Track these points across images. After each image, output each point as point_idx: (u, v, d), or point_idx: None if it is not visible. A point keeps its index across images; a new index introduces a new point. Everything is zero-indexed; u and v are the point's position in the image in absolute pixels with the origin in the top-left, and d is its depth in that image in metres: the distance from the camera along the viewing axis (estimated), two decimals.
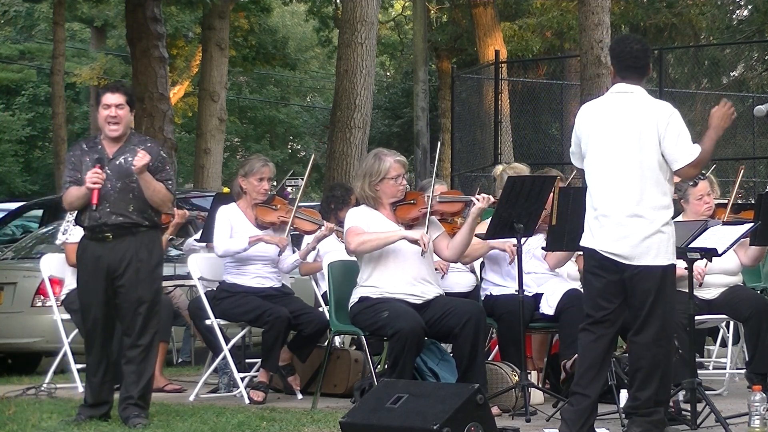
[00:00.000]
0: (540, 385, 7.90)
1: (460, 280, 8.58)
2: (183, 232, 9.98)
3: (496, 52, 19.02)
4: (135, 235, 7.02)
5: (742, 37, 25.42)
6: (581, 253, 6.81)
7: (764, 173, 20.90)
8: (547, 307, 7.89)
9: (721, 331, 9.48)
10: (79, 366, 8.34)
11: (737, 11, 28.23)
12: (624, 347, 7.72)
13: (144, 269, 7.01)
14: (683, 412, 6.86)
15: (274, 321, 8.10)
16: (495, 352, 8.59)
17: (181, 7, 23.74)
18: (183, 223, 9.16)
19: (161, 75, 17.93)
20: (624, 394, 6.72)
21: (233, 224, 8.41)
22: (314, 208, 9.63)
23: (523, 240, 7.61)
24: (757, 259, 8.52)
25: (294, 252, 8.67)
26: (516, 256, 7.60)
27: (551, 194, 7.49)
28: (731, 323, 8.88)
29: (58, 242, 9.19)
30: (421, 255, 7.34)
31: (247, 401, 8.06)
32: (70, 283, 8.67)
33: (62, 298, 8.94)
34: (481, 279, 8.36)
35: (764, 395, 6.42)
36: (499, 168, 8.77)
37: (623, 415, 6.61)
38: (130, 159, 7.01)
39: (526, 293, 7.71)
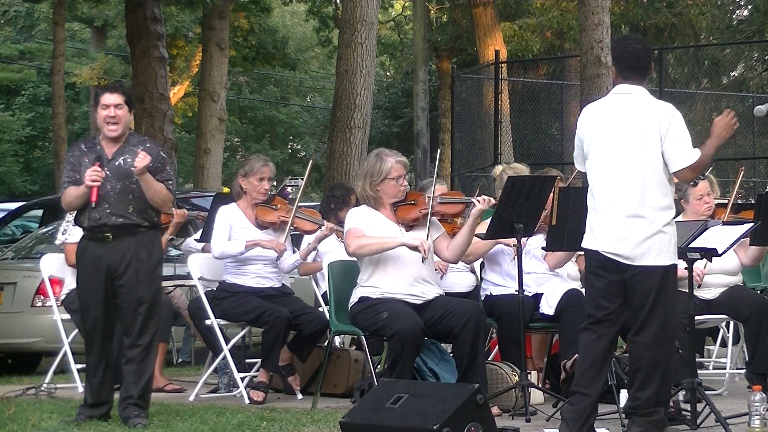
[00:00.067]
0: (540, 385, 7.90)
1: (460, 280, 8.57)
2: (183, 232, 9.98)
3: (496, 52, 19.01)
4: (135, 235, 7.02)
5: (742, 37, 25.42)
6: (581, 253, 6.81)
7: (764, 173, 20.90)
8: (547, 307, 7.89)
9: (721, 331, 9.48)
10: (79, 366, 8.34)
11: (737, 11, 28.24)
12: (624, 347, 7.72)
13: (144, 269, 7.01)
14: (683, 412, 6.86)
15: (274, 321, 8.10)
16: (495, 352, 8.59)
17: (181, 7, 23.74)
18: (183, 223, 9.16)
19: (161, 75, 17.93)
20: (624, 394, 6.72)
21: (233, 224, 8.41)
22: (314, 208, 9.64)
23: (523, 240, 7.61)
24: (757, 259, 8.52)
25: (294, 252, 8.68)
26: (516, 256, 7.61)
27: (551, 194, 7.49)
28: (731, 323, 8.88)
29: (57, 242, 9.19)
30: (422, 261, 7.35)
31: (247, 401, 8.06)
32: (70, 283, 8.67)
33: (62, 298, 8.94)
34: (481, 279, 8.36)
35: (764, 395, 6.42)
36: (498, 168, 8.76)
37: (623, 415, 6.61)
38: (129, 160, 7.00)
39: (526, 293, 7.71)
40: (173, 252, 10.60)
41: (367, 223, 7.49)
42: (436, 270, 7.89)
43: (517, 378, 7.53)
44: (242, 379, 8.33)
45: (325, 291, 8.71)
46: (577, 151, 6.48)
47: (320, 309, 8.99)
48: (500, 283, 8.09)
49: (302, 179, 10.37)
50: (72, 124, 33.22)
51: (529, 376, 7.51)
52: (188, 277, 8.92)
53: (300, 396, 8.42)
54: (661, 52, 18.27)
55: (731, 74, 26.07)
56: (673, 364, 6.36)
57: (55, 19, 23.97)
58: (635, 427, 6.20)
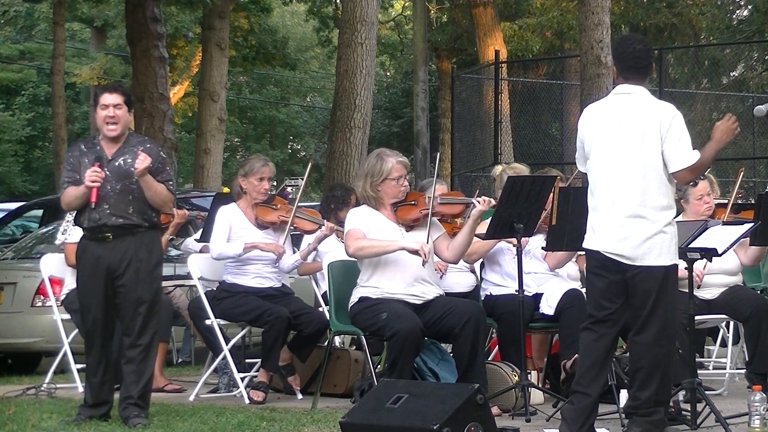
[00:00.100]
0: (540, 385, 7.90)
1: (460, 280, 8.57)
2: (183, 232, 9.98)
3: (496, 52, 19.01)
4: (135, 235, 7.02)
5: (742, 37, 25.42)
6: (581, 253, 6.80)
7: (764, 173, 20.89)
8: (547, 307, 7.89)
9: (721, 331, 9.48)
10: (79, 366, 8.34)
11: (737, 11, 28.23)
12: (624, 347, 7.72)
13: (144, 269, 7.00)
14: (683, 412, 6.86)
15: (274, 321, 8.10)
16: (495, 352, 8.59)
17: (181, 7, 23.74)
18: (183, 223, 9.16)
19: (161, 75, 17.93)
20: (624, 394, 6.72)
21: (233, 224, 8.41)
22: (314, 208, 9.64)
23: (523, 240, 7.61)
24: (757, 259, 8.52)
25: (294, 252, 8.67)
26: (517, 255, 7.61)
27: (551, 194, 7.49)
28: (731, 323, 8.88)
29: (57, 242, 9.19)
30: (422, 265, 7.34)
31: (247, 401, 8.06)
32: (70, 283, 8.67)
33: (62, 298, 8.94)
34: (481, 279, 8.35)
35: (764, 395, 6.42)
36: (498, 168, 8.76)
37: (623, 415, 6.61)
38: (129, 160, 7.00)
39: (526, 293, 7.71)
40: (173, 252, 10.60)
41: (368, 224, 7.49)
42: (435, 270, 7.89)
43: (517, 378, 7.52)
44: (242, 379, 8.33)
45: (325, 291, 8.71)
46: (579, 152, 6.48)
47: (320, 309, 8.99)
48: (500, 283, 8.09)
49: (302, 179, 10.37)
50: (72, 124, 33.22)
51: (529, 376, 7.50)
52: (188, 277, 8.92)
53: (300, 396, 8.42)
54: (661, 52, 18.27)
55: (731, 74, 26.07)
56: (673, 364, 6.36)
57: (55, 19, 23.97)
58: (635, 427, 6.20)
